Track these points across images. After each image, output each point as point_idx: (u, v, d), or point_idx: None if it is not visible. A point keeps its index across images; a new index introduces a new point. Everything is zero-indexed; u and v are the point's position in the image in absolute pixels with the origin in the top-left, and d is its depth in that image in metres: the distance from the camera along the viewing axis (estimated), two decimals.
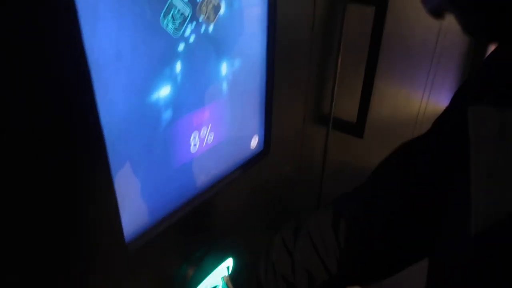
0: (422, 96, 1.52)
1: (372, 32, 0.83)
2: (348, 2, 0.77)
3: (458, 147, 0.38)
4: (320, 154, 0.92)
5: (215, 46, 0.53)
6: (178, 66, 0.48)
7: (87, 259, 0.45)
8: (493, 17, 0.30)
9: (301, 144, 0.82)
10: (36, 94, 0.34)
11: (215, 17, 0.51)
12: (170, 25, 0.45)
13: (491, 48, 0.42)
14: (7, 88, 0.32)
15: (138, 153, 0.48)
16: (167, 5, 0.44)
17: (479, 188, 0.32)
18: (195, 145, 0.56)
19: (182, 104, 0.51)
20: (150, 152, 0.50)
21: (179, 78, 0.49)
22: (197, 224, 0.62)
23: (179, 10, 0.46)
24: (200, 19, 0.49)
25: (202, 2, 0.48)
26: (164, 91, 0.48)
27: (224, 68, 0.56)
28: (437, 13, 0.35)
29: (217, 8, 0.51)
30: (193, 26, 0.48)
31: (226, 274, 0.66)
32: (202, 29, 0.50)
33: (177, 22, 0.46)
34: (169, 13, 0.45)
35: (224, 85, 0.57)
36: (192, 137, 0.55)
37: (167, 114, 0.50)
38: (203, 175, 0.60)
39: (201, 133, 0.56)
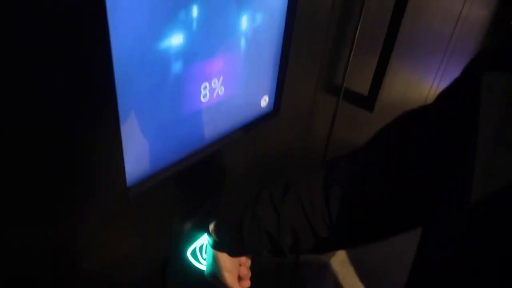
0: (433, 81, 1.50)
1: (394, 9, 0.81)
2: None
3: (464, 118, 0.37)
4: (327, 124, 0.91)
5: None
6: (195, 10, 0.47)
7: (88, 196, 0.44)
8: None
9: (311, 111, 0.81)
10: (50, 22, 0.32)
11: None
12: None
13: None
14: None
15: (148, 95, 0.47)
16: None
17: (484, 155, 0.31)
18: (205, 95, 0.55)
19: (195, 50, 0.50)
20: (160, 95, 0.48)
21: (194, 23, 0.47)
22: (199, 178, 0.61)
23: None
24: None
25: None
26: (177, 37, 0.46)
27: (243, 22, 0.54)
28: None
29: None
30: None
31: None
32: None
33: None
34: None
35: (241, 39, 0.55)
36: (203, 86, 0.53)
37: (179, 59, 0.48)
38: (210, 128, 0.59)
39: (212, 84, 0.55)
